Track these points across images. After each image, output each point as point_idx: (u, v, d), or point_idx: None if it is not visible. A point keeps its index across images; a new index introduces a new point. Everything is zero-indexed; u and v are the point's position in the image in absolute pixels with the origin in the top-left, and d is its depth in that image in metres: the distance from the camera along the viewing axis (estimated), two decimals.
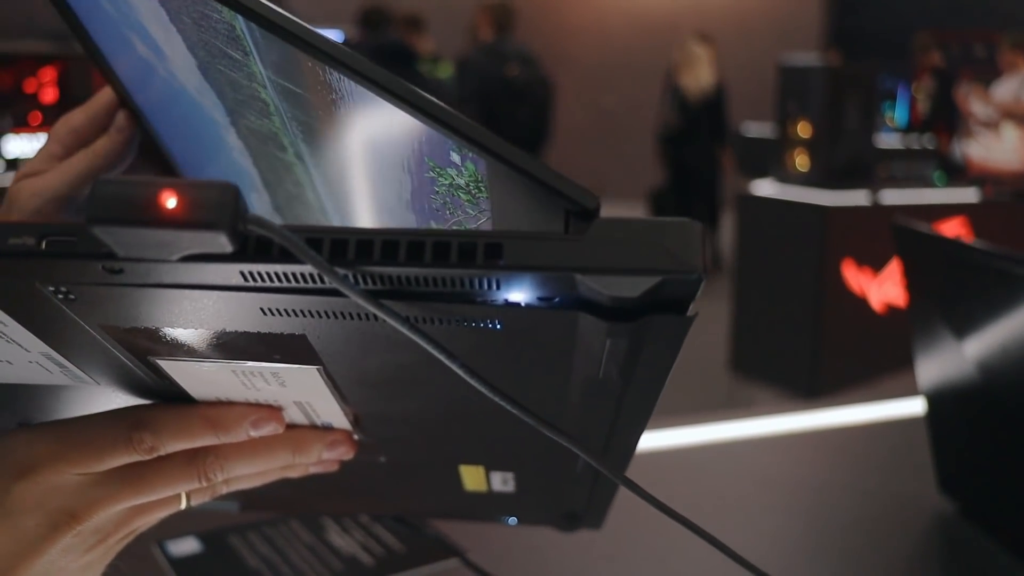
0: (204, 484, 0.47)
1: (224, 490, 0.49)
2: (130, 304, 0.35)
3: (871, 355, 3.31)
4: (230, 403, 0.46)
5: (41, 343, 0.39)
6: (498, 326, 0.33)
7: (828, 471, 1.09)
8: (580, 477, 0.54)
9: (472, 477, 0.56)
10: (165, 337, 0.38)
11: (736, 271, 4.05)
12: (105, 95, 0.62)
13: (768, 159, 4.07)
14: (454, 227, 0.41)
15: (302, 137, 0.49)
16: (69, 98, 5.42)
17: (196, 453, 0.46)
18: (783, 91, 3.81)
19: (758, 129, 6.88)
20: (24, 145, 5.38)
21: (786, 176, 3.79)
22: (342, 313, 0.34)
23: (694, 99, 6.30)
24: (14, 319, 0.37)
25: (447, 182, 0.38)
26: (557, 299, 0.31)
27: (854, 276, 3.52)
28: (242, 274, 0.32)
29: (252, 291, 0.33)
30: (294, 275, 0.32)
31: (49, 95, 5.36)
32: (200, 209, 0.29)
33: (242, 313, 0.35)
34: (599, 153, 9.45)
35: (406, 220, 0.46)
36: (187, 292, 0.33)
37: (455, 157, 0.37)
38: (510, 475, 0.56)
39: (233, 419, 0.46)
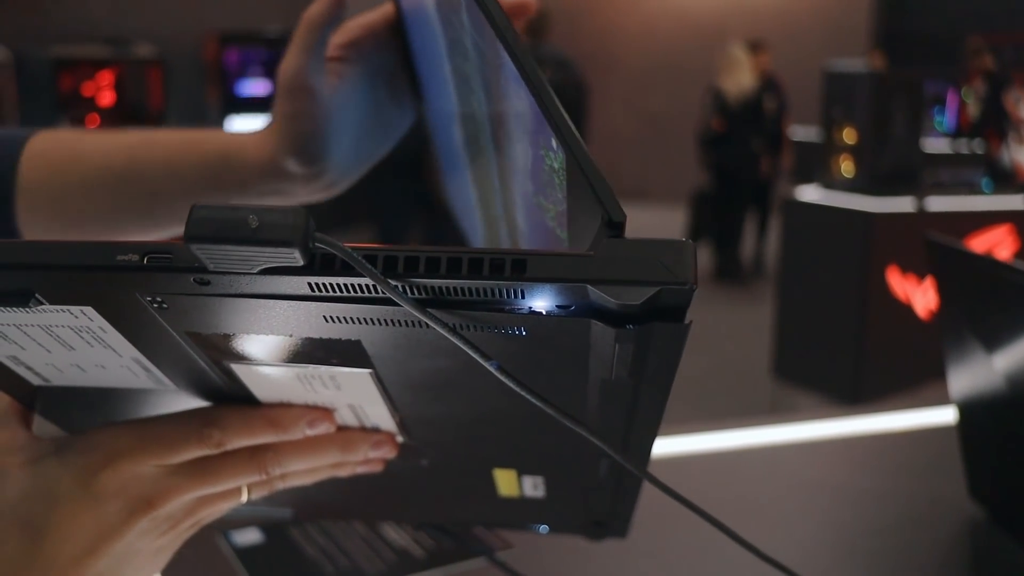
0: (263, 478, 0.52)
1: (280, 485, 0.54)
2: (214, 312, 0.40)
3: (915, 362, 3.30)
4: (289, 405, 0.52)
5: (133, 348, 0.45)
6: (523, 332, 0.38)
7: (862, 476, 1.12)
8: (604, 481, 0.59)
9: (505, 481, 0.61)
10: (240, 343, 0.44)
11: (780, 276, 4.06)
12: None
13: (815, 164, 4.07)
14: (552, 205, 0.46)
15: (482, 88, 0.54)
16: (126, 101, 5.57)
17: (257, 449, 0.52)
18: (828, 97, 3.81)
19: (805, 133, 6.86)
20: None
21: (831, 182, 3.80)
22: (392, 320, 0.39)
23: (734, 103, 6.31)
24: (113, 326, 0.42)
25: (549, 163, 0.43)
26: (573, 307, 0.36)
27: (899, 283, 3.52)
28: (309, 285, 0.37)
29: (317, 300, 0.38)
30: (353, 286, 0.37)
31: (106, 98, 5.51)
32: (278, 229, 0.34)
33: (307, 320, 0.40)
34: (644, 155, 9.46)
35: (526, 187, 0.52)
36: (263, 301, 0.38)
37: (554, 142, 0.42)
38: (540, 479, 0.61)
39: (291, 419, 0.52)
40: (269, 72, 6.73)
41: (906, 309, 3.55)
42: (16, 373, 0.48)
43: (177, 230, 0.75)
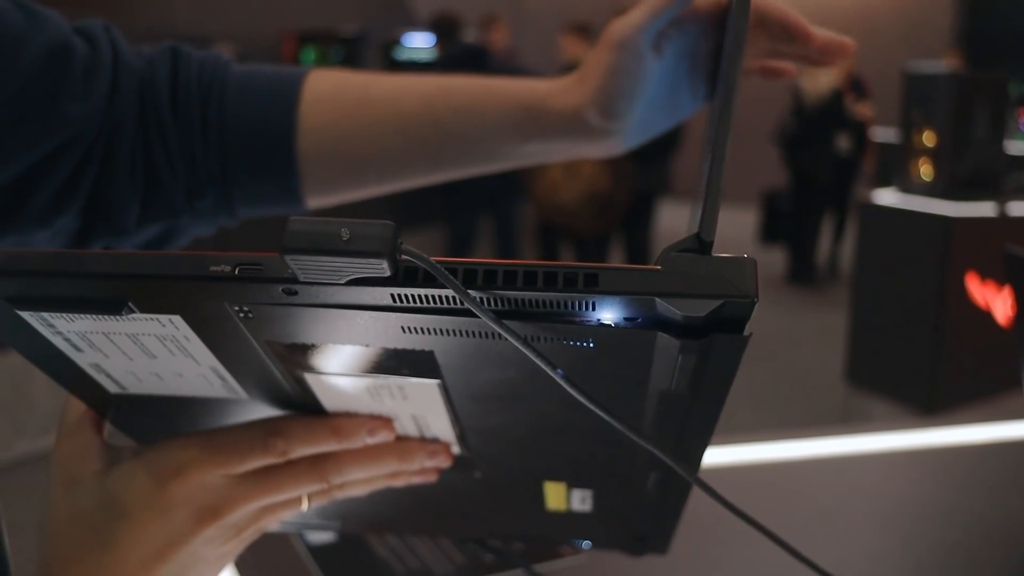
0: (324, 486, 0.54)
1: (339, 494, 0.56)
2: (296, 322, 0.42)
3: (994, 370, 3.23)
4: (349, 414, 0.54)
5: (213, 357, 0.47)
6: (591, 344, 0.40)
7: (934, 490, 1.11)
8: (650, 495, 0.60)
9: (554, 495, 0.63)
10: (317, 353, 0.46)
11: (855, 281, 4.00)
12: None
13: (894, 166, 4.00)
14: None
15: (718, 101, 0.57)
16: None
17: (318, 459, 0.54)
18: (908, 99, 3.73)
19: (885, 134, 6.73)
20: None
21: (909, 185, 3.73)
22: (467, 332, 0.41)
23: (810, 103, 6.21)
24: (197, 335, 0.44)
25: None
26: (640, 319, 0.38)
27: (978, 289, 3.45)
28: (392, 296, 0.39)
29: (397, 311, 0.40)
30: (433, 297, 0.39)
31: None
32: (369, 241, 0.36)
33: (386, 330, 0.42)
34: None
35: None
36: (345, 312, 0.40)
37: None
38: (589, 493, 0.62)
39: (353, 428, 0.54)
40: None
41: (985, 316, 3.47)
42: (95, 380, 0.50)
43: (458, 175, 0.78)
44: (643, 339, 0.39)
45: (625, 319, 0.38)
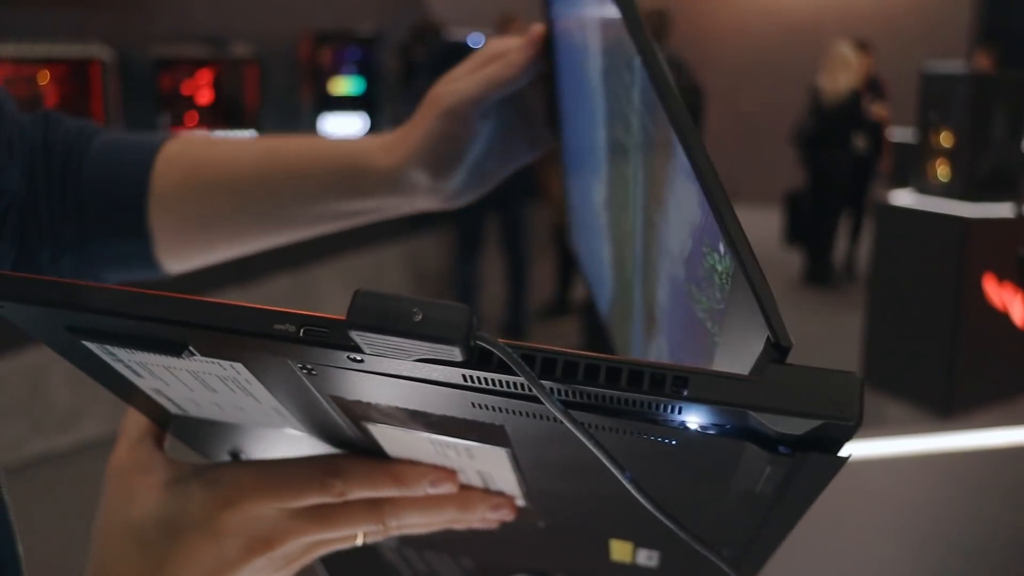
0: (380, 528, 0.53)
1: (395, 534, 0.55)
2: (361, 385, 0.41)
3: (1011, 372, 3.21)
4: (412, 462, 0.53)
5: (274, 399, 0.46)
6: (673, 442, 0.38)
7: (949, 496, 1.10)
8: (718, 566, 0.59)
9: (620, 549, 0.61)
10: (383, 412, 0.45)
11: (872, 282, 3.98)
12: (537, 33, 0.70)
13: (910, 167, 3.98)
14: (706, 298, 0.44)
15: (641, 163, 0.55)
16: (223, 99, 5.70)
17: (377, 501, 0.52)
18: (925, 99, 3.71)
19: (901, 134, 6.70)
20: None
21: (926, 186, 3.71)
22: (540, 415, 0.39)
23: (828, 103, 6.17)
24: (259, 381, 0.43)
25: (711, 263, 0.42)
26: (728, 427, 0.36)
27: (995, 291, 3.42)
28: (463, 376, 0.37)
29: (468, 390, 0.38)
30: (506, 382, 0.36)
31: (205, 96, 5.63)
32: (441, 326, 0.34)
33: (454, 403, 0.40)
34: (737, 155, 9.33)
35: (676, 270, 0.51)
36: (412, 383, 0.39)
37: (721, 246, 0.40)
38: (656, 553, 0.60)
39: (414, 476, 0.52)
40: (361, 70, 6.82)
41: (1002, 318, 3.45)
42: (156, 401, 0.50)
43: (299, 236, 0.77)
44: (731, 446, 0.37)
45: (713, 425, 0.36)
